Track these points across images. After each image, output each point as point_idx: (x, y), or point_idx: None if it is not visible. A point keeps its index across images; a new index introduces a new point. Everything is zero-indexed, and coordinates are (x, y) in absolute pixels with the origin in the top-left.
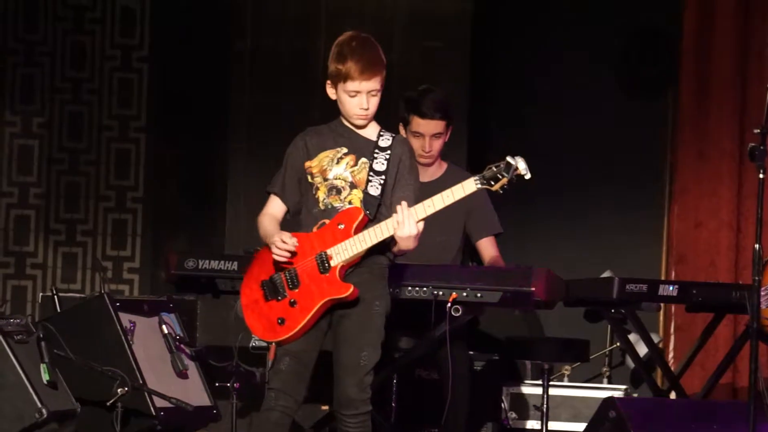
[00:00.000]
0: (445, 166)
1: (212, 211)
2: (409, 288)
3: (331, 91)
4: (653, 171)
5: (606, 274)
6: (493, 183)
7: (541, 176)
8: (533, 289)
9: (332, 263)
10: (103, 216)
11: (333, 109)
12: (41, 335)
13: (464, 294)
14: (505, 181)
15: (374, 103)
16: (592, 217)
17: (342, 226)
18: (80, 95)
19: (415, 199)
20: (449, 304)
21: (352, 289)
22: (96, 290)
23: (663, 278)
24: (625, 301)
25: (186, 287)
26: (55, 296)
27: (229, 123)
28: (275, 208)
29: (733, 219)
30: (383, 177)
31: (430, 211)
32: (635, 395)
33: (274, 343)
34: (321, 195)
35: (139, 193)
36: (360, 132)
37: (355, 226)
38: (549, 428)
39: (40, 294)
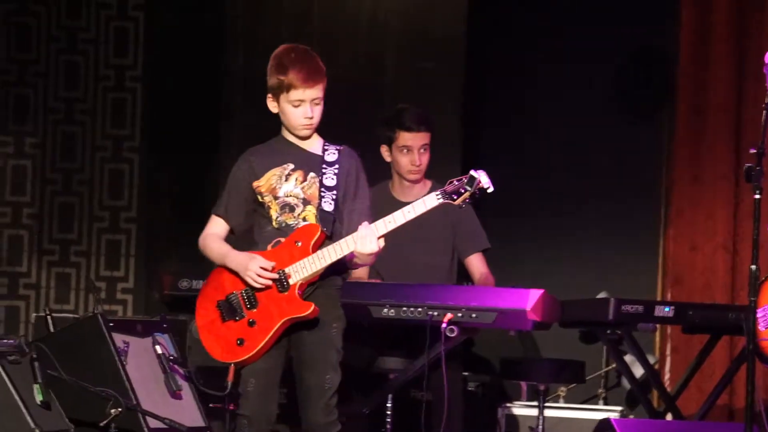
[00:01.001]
0: (429, 184)
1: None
2: (404, 308)
3: (272, 105)
4: (649, 192)
5: (602, 295)
6: (455, 197)
7: (536, 197)
8: (528, 309)
9: (291, 281)
10: (96, 236)
11: (325, 128)
12: (34, 356)
13: (459, 314)
14: (467, 195)
15: (318, 112)
16: (587, 237)
17: (300, 244)
18: (73, 115)
19: (368, 212)
20: (444, 325)
21: (312, 307)
22: (89, 311)
23: (659, 299)
24: (621, 322)
25: (179, 307)
26: (49, 317)
27: (222, 142)
28: (218, 228)
29: (728, 240)
30: (335, 192)
31: (391, 226)
32: (631, 416)
33: (233, 365)
34: (273, 213)
35: (132, 213)
36: (304, 146)
37: (312, 243)
38: None
39: (34, 314)
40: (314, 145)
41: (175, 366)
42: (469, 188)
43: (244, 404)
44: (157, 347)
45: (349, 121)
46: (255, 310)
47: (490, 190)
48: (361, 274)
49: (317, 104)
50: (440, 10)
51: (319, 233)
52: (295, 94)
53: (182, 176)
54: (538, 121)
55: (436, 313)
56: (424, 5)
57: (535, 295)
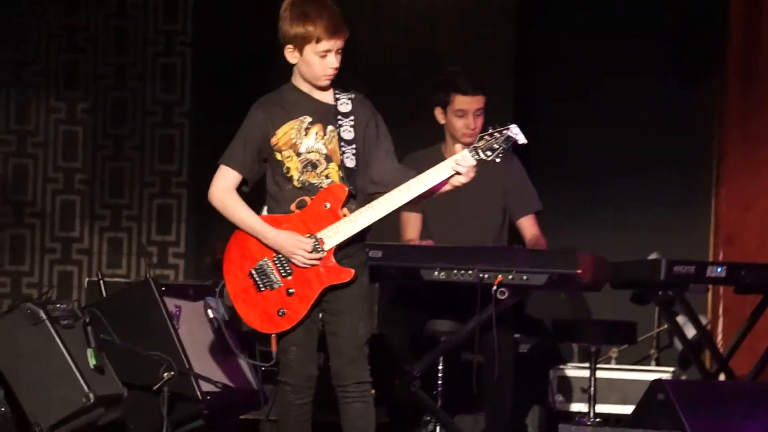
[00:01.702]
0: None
1: (257, 195)
2: (455, 271)
3: (293, 56)
4: (700, 154)
5: (653, 256)
6: (489, 153)
7: (587, 159)
8: (579, 271)
9: (325, 247)
10: (147, 201)
11: (379, 92)
12: (87, 320)
13: (510, 277)
14: (501, 150)
15: (339, 60)
16: (639, 199)
17: (328, 206)
18: (124, 81)
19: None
20: (495, 287)
21: (352, 274)
22: (141, 275)
23: (711, 260)
24: (672, 283)
25: None
26: (101, 281)
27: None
28: (231, 181)
29: None
30: (354, 146)
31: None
32: (684, 377)
33: (275, 335)
34: (294, 172)
35: (183, 178)
36: (317, 96)
37: (341, 205)
38: (596, 411)
39: (86, 279)
40: (327, 94)
41: (228, 330)
42: (505, 144)
43: (287, 372)
44: (209, 311)
45: (400, 84)
46: (291, 277)
47: (524, 143)
48: (412, 235)
49: (339, 53)
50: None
51: (347, 194)
52: (324, 45)
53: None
54: (590, 86)
55: (486, 276)
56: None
57: (585, 256)
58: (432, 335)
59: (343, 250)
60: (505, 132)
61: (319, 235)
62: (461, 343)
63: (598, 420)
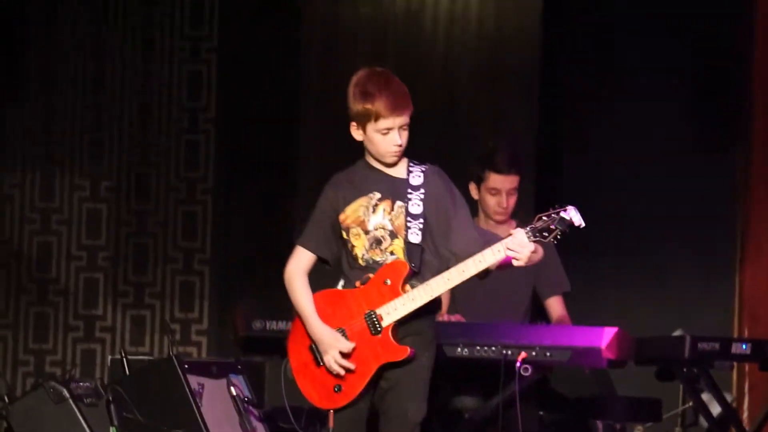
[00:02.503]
0: (513, 224)
1: (281, 272)
2: (478, 347)
3: (357, 133)
4: (725, 229)
5: (677, 333)
6: (546, 234)
7: (611, 234)
8: (603, 347)
9: (383, 324)
10: (170, 278)
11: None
12: (110, 398)
13: (533, 353)
14: (557, 232)
15: (405, 137)
16: (662, 275)
17: (389, 282)
18: (148, 157)
19: (471, 222)
20: (519, 364)
21: (408, 352)
22: (164, 353)
23: (736, 336)
24: (697, 360)
25: (254, 348)
26: (124, 359)
27: (298, 184)
28: (304, 262)
29: None
30: (421, 220)
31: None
32: None
33: (332, 411)
34: (359, 251)
35: (206, 254)
36: (389, 172)
37: (402, 281)
38: None
39: (109, 357)
40: (399, 168)
41: (250, 407)
42: (561, 226)
43: None
44: (232, 388)
45: (424, 152)
46: (349, 354)
47: (582, 226)
48: (441, 310)
49: (405, 130)
50: (515, 42)
51: (408, 271)
52: (384, 123)
53: (256, 218)
54: (614, 152)
55: (510, 352)
56: (497, 38)
57: (609, 332)
58: (456, 411)
59: (405, 326)
60: (562, 213)
61: (378, 311)
62: (485, 420)
63: None
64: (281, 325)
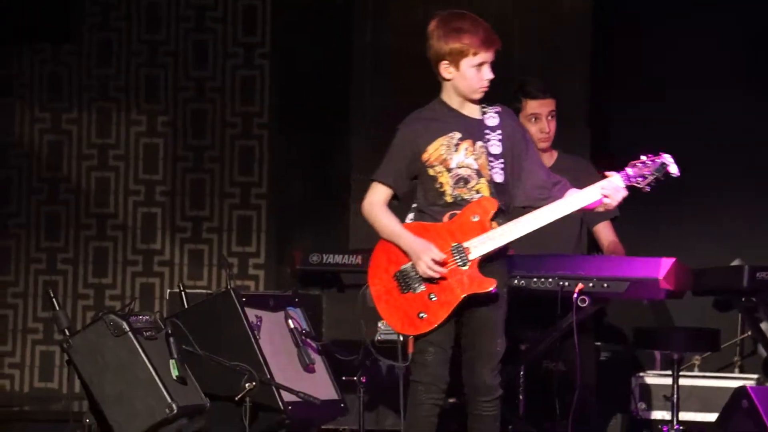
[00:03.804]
0: (555, 154)
1: (336, 206)
2: (535, 279)
3: (449, 71)
4: None
5: (735, 263)
6: (641, 180)
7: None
8: (661, 278)
9: (470, 257)
10: (228, 213)
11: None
12: (169, 331)
13: (590, 284)
14: (653, 179)
15: (493, 73)
16: (719, 204)
17: (476, 218)
18: (203, 93)
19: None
20: (576, 295)
21: (495, 284)
22: (222, 286)
23: None
24: (755, 290)
25: (311, 282)
26: (183, 293)
27: (351, 117)
28: (382, 196)
29: None
30: (502, 160)
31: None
32: None
33: (412, 337)
34: (447, 187)
35: (263, 189)
36: (466, 112)
37: (490, 218)
38: (679, 419)
39: (168, 291)
40: (474, 110)
41: (308, 340)
42: (657, 173)
43: (422, 372)
44: (290, 321)
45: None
46: (434, 283)
47: (677, 174)
48: None
49: (490, 66)
50: None
51: (497, 208)
52: (480, 57)
53: (311, 152)
54: (669, 93)
55: (567, 284)
56: None
57: (666, 263)
58: (514, 343)
59: (486, 265)
60: (658, 160)
61: (465, 244)
62: (543, 352)
63: (681, 428)
64: (337, 258)
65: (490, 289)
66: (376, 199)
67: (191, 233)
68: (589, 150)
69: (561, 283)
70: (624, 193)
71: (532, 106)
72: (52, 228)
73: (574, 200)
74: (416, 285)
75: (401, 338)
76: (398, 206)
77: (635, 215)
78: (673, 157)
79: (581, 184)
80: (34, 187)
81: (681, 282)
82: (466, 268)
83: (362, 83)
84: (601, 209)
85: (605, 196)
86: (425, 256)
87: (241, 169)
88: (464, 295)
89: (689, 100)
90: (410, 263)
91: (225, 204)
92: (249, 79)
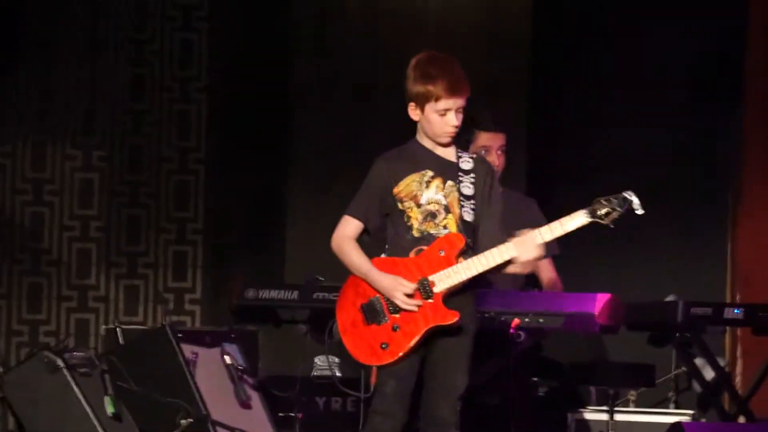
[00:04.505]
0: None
1: (272, 240)
2: None
3: (415, 113)
4: (716, 193)
5: (670, 298)
6: (604, 218)
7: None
8: (596, 313)
9: (435, 290)
10: (163, 248)
11: (397, 130)
12: (105, 368)
13: (526, 319)
14: (616, 215)
15: (460, 119)
16: (654, 239)
17: (443, 253)
18: (140, 127)
19: (501, 218)
20: (512, 330)
21: (457, 317)
22: (158, 322)
23: (728, 301)
24: (690, 325)
25: (247, 317)
26: (118, 329)
27: (289, 151)
28: (352, 230)
29: None
30: (473, 201)
31: (550, 236)
32: (703, 420)
33: (375, 367)
34: (415, 222)
35: (199, 224)
36: (440, 153)
37: (457, 253)
38: None
39: (103, 327)
40: (449, 152)
41: (244, 376)
42: (619, 209)
43: (381, 403)
44: (226, 357)
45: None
46: (398, 315)
47: (641, 212)
48: None
49: (460, 112)
50: (505, 11)
51: (463, 244)
52: (444, 104)
53: (249, 186)
54: (605, 118)
55: (503, 318)
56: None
57: (602, 298)
58: None
59: (453, 298)
60: (622, 195)
61: (430, 278)
62: (479, 387)
63: None
64: (273, 293)
65: (452, 322)
66: (347, 233)
67: (127, 269)
68: (525, 180)
69: (498, 317)
70: (537, 252)
71: (484, 138)
72: None
73: (556, 226)
74: (381, 317)
75: (363, 370)
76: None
77: (570, 249)
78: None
79: (525, 225)
80: None
81: (616, 317)
82: (430, 300)
83: (300, 115)
84: (516, 268)
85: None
86: (398, 293)
87: (177, 205)
88: (428, 327)
89: (627, 129)
90: (377, 296)
91: (161, 239)
92: (185, 113)
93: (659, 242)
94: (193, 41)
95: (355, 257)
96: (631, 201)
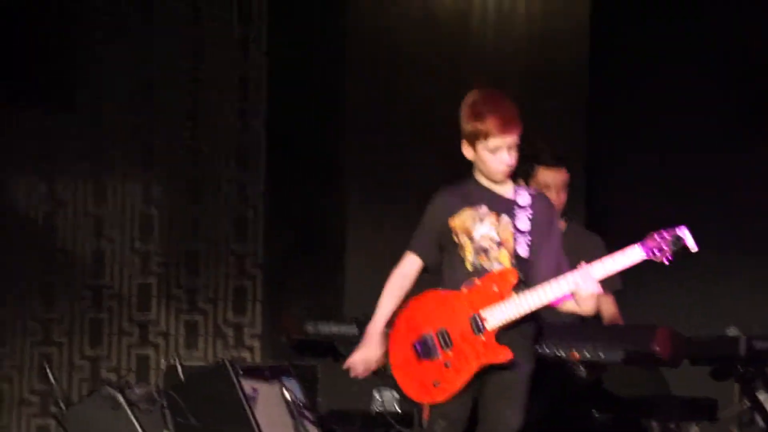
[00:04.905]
0: (563, 225)
1: (332, 274)
2: None
3: (468, 151)
4: None
5: (732, 331)
6: (657, 253)
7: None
8: (657, 347)
9: (487, 325)
10: (224, 283)
11: (453, 164)
12: (165, 404)
13: (586, 353)
14: (670, 252)
15: (515, 156)
16: (717, 272)
17: (496, 288)
18: (198, 160)
19: (560, 252)
20: (572, 363)
21: (510, 355)
22: (218, 358)
23: None
24: (753, 359)
25: (306, 351)
26: (178, 365)
27: (348, 184)
28: (410, 266)
29: None
30: (528, 236)
31: (605, 272)
32: None
33: (427, 405)
34: (468, 255)
35: (258, 258)
36: (496, 190)
37: (510, 288)
38: None
39: (164, 362)
40: (506, 189)
41: (304, 411)
42: (674, 247)
43: None
44: (286, 393)
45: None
46: (450, 351)
47: (695, 250)
48: None
49: (514, 149)
50: (563, 44)
51: (517, 280)
52: (494, 142)
53: (308, 220)
54: (664, 147)
55: (564, 352)
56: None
57: (663, 332)
58: None
59: (507, 334)
60: (675, 232)
61: (482, 314)
62: (539, 420)
63: None
64: (333, 327)
65: (505, 359)
66: (403, 269)
67: (187, 304)
68: (584, 209)
69: (557, 351)
70: (592, 288)
71: (545, 174)
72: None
73: (607, 262)
74: (433, 353)
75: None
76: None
77: (632, 279)
78: (689, 229)
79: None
80: None
81: (677, 351)
82: (481, 336)
83: (358, 147)
84: (575, 306)
85: (574, 292)
86: (359, 358)
87: (237, 239)
88: (480, 364)
89: (685, 159)
90: (429, 332)
91: (221, 273)
92: (244, 146)
93: (722, 274)
94: (250, 75)
95: (385, 295)
96: (683, 238)
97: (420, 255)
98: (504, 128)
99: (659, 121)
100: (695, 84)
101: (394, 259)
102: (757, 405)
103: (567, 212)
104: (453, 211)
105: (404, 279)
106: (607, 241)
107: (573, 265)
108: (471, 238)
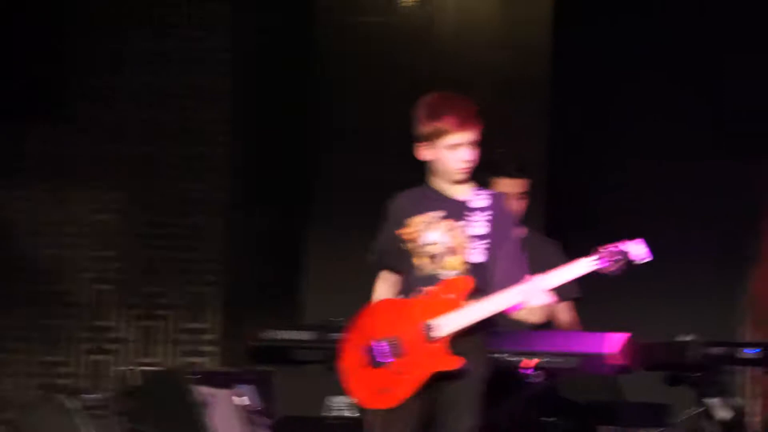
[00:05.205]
0: (524, 231)
1: (292, 281)
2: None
3: (425, 153)
4: (735, 232)
5: (686, 337)
6: (603, 267)
7: (617, 236)
8: (612, 353)
9: (440, 333)
10: (180, 289)
11: (412, 176)
12: (120, 410)
13: (542, 360)
14: (618, 265)
15: (474, 154)
16: (671, 279)
17: (450, 296)
18: (160, 170)
19: (517, 257)
20: (528, 370)
21: (462, 362)
22: (174, 363)
23: (745, 341)
24: (705, 365)
25: (263, 358)
26: (134, 370)
27: (309, 193)
28: (389, 281)
29: None
30: (487, 241)
31: (548, 284)
32: None
33: (373, 411)
34: (419, 263)
35: (217, 264)
36: (452, 194)
37: (465, 296)
38: None
39: (119, 368)
40: (463, 190)
41: (260, 417)
42: (618, 262)
43: None
44: (242, 399)
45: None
46: (401, 358)
47: (643, 262)
48: None
49: (473, 147)
50: (523, 52)
51: (471, 286)
52: (453, 139)
53: (268, 227)
54: (626, 161)
55: (515, 359)
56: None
57: (618, 339)
58: None
59: (460, 341)
60: (619, 248)
61: (435, 321)
62: (493, 427)
63: None
64: (291, 334)
65: (456, 367)
66: (382, 290)
67: (144, 310)
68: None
69: (512, 358)
70: (543, 298)
71: (503, 184)
72: None
73: (553, 275)
74: (386, 361)
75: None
76: None
77: (587, 289)
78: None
79: (544, 268)
80: None
81: (632, 357)
82: (434, 344)
83: (319, 159)
84: (527, 315)
85: (522, 301)
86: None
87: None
88: (431, 372)
89: (649, 167)
90: (383, 338)
91: (178, 280)
92: (207, 156)
93: (675, 281)
94: (216, 84)
95: (374, 289)
96: (628, 252)
97: (392, 269)
98: (463, 124)
99: (622, 128)
100: (658, 91)
101: (355, 265)
102: (709, 410)
103: (526, 220)
104: (407, 216)
105: (384, 281)
106: (567, 250)
107: (533, 272)
108: (422, 245)
